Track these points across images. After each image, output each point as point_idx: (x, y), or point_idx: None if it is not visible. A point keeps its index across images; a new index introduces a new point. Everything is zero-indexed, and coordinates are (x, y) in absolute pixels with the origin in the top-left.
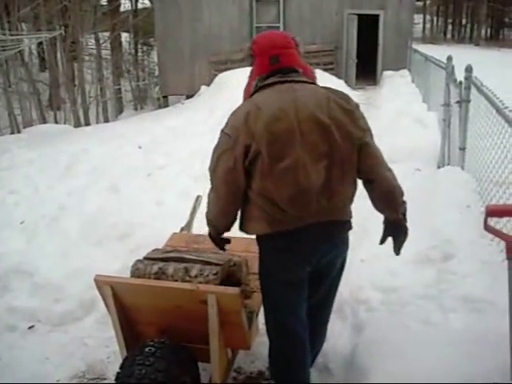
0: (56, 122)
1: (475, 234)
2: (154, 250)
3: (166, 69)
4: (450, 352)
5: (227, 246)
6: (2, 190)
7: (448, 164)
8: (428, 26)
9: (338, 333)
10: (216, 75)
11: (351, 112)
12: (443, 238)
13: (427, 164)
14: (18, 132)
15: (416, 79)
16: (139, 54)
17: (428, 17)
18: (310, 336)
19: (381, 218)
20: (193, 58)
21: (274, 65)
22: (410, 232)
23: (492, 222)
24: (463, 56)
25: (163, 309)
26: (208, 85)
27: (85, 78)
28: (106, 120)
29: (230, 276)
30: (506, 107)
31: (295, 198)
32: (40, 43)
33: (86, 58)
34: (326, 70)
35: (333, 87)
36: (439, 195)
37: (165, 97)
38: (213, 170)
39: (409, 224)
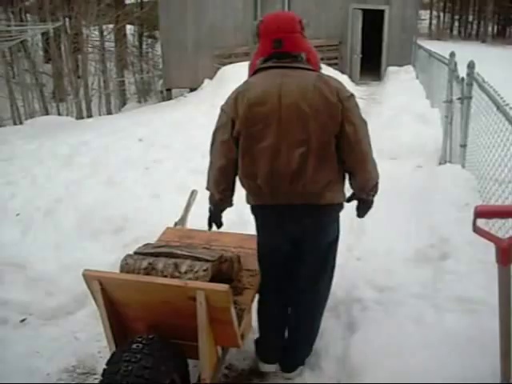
0: (59, 114)
1: (473, 233)
2: (145, 245)
3: (169, 62)
4: (443, 353)
5: (220, 242)
6: None
7: (449, 161)
8: (434, 22)
9: (330, 331)
10: (219, 69)
11: (335, 105)
12: (441, 236)
13: (428, 161)
14: (20, 123)
15: (420, 75)
16: (144, 46)
17: (434, 13)
18: (294, 323)
19: (376, 216)
20: (196, 51)
21: (277, 49)
22: (407, 230)
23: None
24: (468, 53)
25: (152, 304)
26: (211, 78)
27: (88, 69)
28: (109, 112)
29: (222, 272)
30: (507, 104)
31: (268, 178)
32: (44, 34)
33: (90, 49)
34: (330, 64)
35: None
36: (438, 193)
37: (168, 90)
38: (212, 143)
39: (407, 221)
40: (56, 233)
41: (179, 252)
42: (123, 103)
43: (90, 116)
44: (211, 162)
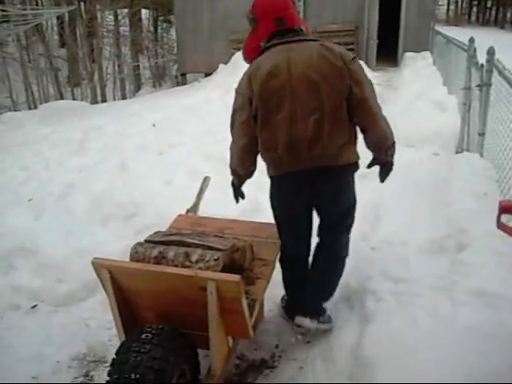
0: (73, 99)
1: (491, 223)
2: (155, 233)
3: (184, 46)
4: (458, 347)
5: (232, 230)
6: (13, 167)
7: (467, 149)
8: (452, 7)
9: (343, 322)
10: (234, 53)
11: (341, 69)
12: (458, 227)
13: (445, 149)
14: (35, 107)
15: (437, 62)
16: (159, 30)
17: None
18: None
19: (392, 204)
20: (212, 36)
21: (280, 27)
22: (424, 219)
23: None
24: (487, 39)
25: (162, 294)
26: (226, 63)
27: (103, 54)
28: (124, 97)
29: (234, 261)
30: None
31: (288, 147)
32: (59, 18)
33: (105, 34)
34: (346, 50)
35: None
36: (456, 182)
37: (183, 75)
38: (231, 125)
39: (424, 211)
40: (67, 218)
41: (190, 240)
42: (138, 88)
43: (104, 101)
44: (233, 142)
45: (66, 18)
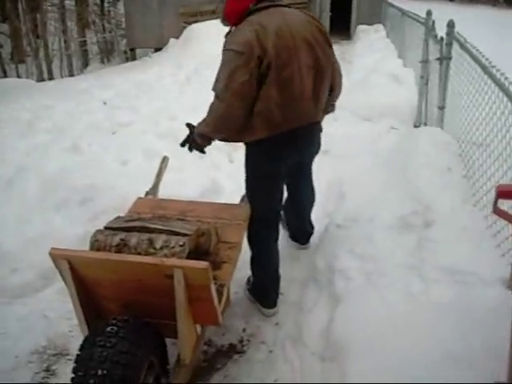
0: (18, 76)
1: (457, 199)
2: (116, 218)
3: (132, 21)
4: (432, 326)
5: (195, 212)
6: None
7: (425, 123)
8: None
9: (312, 303)
10: (185, 27)
11: (325, 34)
12: (423, 203)
13: (403, 122)
14: None
15: (391, 34)
16: (105, 4)
17: None
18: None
19: (356, 180)
20: (161, 10)
21: None
22: (389, 195)
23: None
24: (438, 12)
25: (126, 283)
26: (177, 37)
27: (48, 29)
28: (71, 74)
29: (199, 246)
30: (494, 66)
31: (292, 102)
32: None
33: (49, 8)
34: None
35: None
36: (418, 157)
37: (132, 50)
38: (225, 86)
39: (388, 187)
40: (18, 204)
41: (153, 226)
42: (85, 64)
43: (51, 78)
44: (224, 104)
45: None
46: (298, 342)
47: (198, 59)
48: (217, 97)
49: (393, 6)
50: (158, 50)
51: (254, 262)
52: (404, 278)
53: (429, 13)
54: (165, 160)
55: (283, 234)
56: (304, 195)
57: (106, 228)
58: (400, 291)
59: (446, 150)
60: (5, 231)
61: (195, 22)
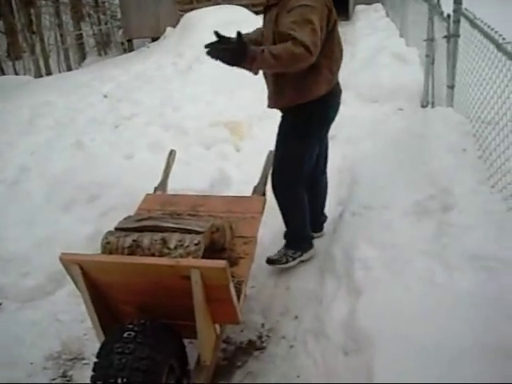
0: (16, 73)
1: (474, 180)
2: (126, 218)
3: (128, 10)
4: (459, 316)
5: (206, 207)
6: None
7: (432, 102)
8: None
9: (332, 295)
10: (182, 16)
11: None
12: (441, 186)
13: (410, 103)
14: None
15: (391, 13)
16: None
17: None
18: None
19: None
20: None
21: None
22: (403, 179)
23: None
24: None
25: (141, 286)
26: (174, 26)
27: (43, 24)
28: (69, 68)
29: (214, 243)
30: (509, 42)
31: (340, 58)
32: None
33: (43, 2)
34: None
35: None
36: (432, 138)
37: (129, 40)
38: (314, 40)
39: (402, 170)
40: (25, 206)
41: (165, 224)
42: (83, 58)
43: (49, 73)
44: (307, 58)
45: None
46: (319, 336)
47: (197, 47)
48: (306, 47)
49: None
50: (154, 39)
51: (293, 212)
52: (426, 265)
53: None
54: (172, 154)
55: None
56: (323, 173)
57: (117, 229)
58: (423, 280)
59: (459, 131)
60: (13, 234)
61: (191, 9)
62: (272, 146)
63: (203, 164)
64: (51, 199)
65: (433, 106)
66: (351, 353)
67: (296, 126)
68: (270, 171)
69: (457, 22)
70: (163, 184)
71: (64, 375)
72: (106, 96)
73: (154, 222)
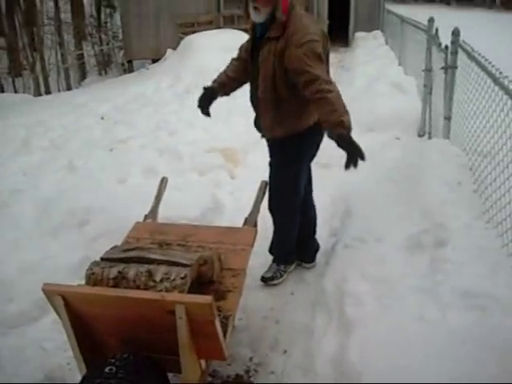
0: (15, 91)
1: (469, 215)
2: (112, 248)
3: (129, 32)
4: (449, 354)
5: (196, 237)
6: None
7: (429, 132)
8: None
9: (322, 329)
10: (182, 38)
11: None
12: (435, 220)
13: (407, 132)
14: None
15: (390, 41)
16: (102, 16)
17: None
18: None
19: (362, 196)
20: (157, 20)
21: None
22: (397, 212)
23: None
24: (435, 16)
25: (125, 319)
26: (174, 48)
27: (44, 42)
28: (69, 87)
29: (201, 275)
30: (506, 76)
31: None
32: None
33: (45, 21)
34: None
35: None
36: (427, 170)
37: (129, 61)
38: (326, 72)
39: (396, 203)
40: (14, 230)
41: (152, 256)
42: (83, 77)
43: (48, 92)
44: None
45: (3, 5)
46: (308, 372)
47: (196, 71)
48: (329, 82)
49: (392, 12)
50: (155, 61)
51: (287, 230)
52: (418, 302)
53: (431, 20)
54: (163, 181)
55: None
56: (311, 199)
57: (103, 259)
58: (415, 317)
59: (456, 163)
60: (0, 258)
61: (192, 32)
62: (267, 174)
63: (197, 190)
64: (40, 223)
65: (430, 136)
66: None
67: (290, 153)
68: (264, 201)
69: (454, 53)
70: (154, 212)
71: None
72: (102, 118)
73: (141, 252)
